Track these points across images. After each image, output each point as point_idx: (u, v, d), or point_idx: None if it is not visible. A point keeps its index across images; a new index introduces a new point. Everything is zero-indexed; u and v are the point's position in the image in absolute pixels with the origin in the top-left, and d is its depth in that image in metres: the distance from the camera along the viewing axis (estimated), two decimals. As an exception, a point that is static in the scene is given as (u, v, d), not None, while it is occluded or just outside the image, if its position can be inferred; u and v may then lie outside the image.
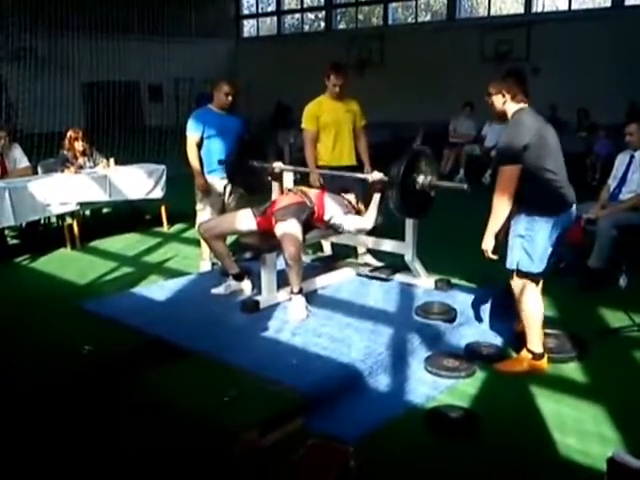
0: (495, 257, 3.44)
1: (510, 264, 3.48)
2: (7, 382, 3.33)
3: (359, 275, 4.83)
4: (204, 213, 5.16)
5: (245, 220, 4.30)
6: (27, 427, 2.92)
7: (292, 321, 3.92)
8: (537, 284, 3.53)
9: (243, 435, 2.74)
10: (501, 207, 3.33)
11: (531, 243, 3.38)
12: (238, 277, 4.44)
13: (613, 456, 1.97)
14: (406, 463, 2.72)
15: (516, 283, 3.50)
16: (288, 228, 4.02)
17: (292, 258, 3.93)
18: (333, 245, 5.39)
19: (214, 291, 4.46)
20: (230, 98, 5.11)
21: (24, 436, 2.85)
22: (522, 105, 3.40)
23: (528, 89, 3.42)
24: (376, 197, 4.27)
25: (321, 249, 5.50)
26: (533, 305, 3.49)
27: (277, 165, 4.86)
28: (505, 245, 3.48)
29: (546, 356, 3.54)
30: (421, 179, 4.07)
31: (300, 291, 4.03)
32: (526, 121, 3.32)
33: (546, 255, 3.42)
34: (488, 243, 3.41)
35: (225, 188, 5.21)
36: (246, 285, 4.45)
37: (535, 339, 3.50)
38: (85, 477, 2.59)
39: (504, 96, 3.39)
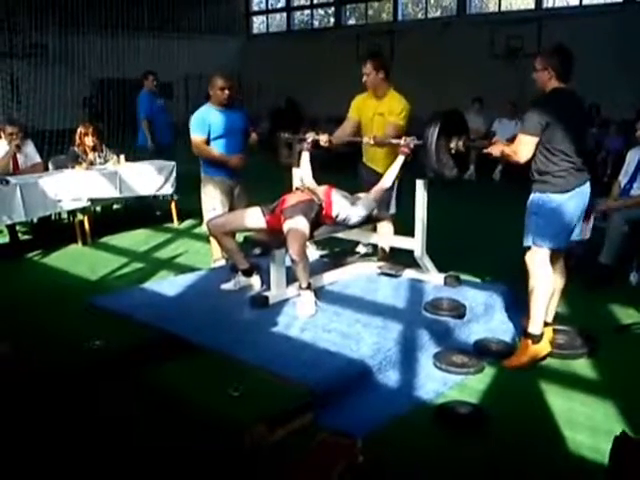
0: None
1: (527, 242, 3.55)
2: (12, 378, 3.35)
3: (368, 271, 4.83)
4: (211, 211, 5.09)
5: (254, 218, 4.29)
6: (33, 420, 2.91)
7: (301, 317, 3.93)
8: (553, 257, 3.56)
9: (252, 430, 2.75)
10: (511, 157, 3.56)
11: (544, 220, 3.45)
12: (247, 273, 4.44)
13: (620, 434, 1.99)
14: (415, 458, 2.72)
15: (530, 256, 3.53)
16: (294, 225, 4.02)
17: (296, 254, 3.92)
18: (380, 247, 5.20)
19: (224, 287, 4.47)
20: (227, 92, 4.85)
21: (28, 431, 2.85)
22: (560, 85, 3.48)
23: (572, 70, 3.51)
24: (400, 158, 4.32)
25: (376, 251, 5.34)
26: (541, 277, 3.50)
27: (310, 136, 4.85)
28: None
29: (546, 339, 3.56)
30: (455, 140, 4.14)
31: (309, 286, 4.03)
32: (553, 103, 3.45)
33: (563, 231, 3.49)
34: (493, 150, 3.72)
35: (233, 189, 5.12)
36: (255, 281, 4.45)
37: (536, 317, 3.52)
38: (92, 473, 2.61)
39: (549, 73, 3.47)
